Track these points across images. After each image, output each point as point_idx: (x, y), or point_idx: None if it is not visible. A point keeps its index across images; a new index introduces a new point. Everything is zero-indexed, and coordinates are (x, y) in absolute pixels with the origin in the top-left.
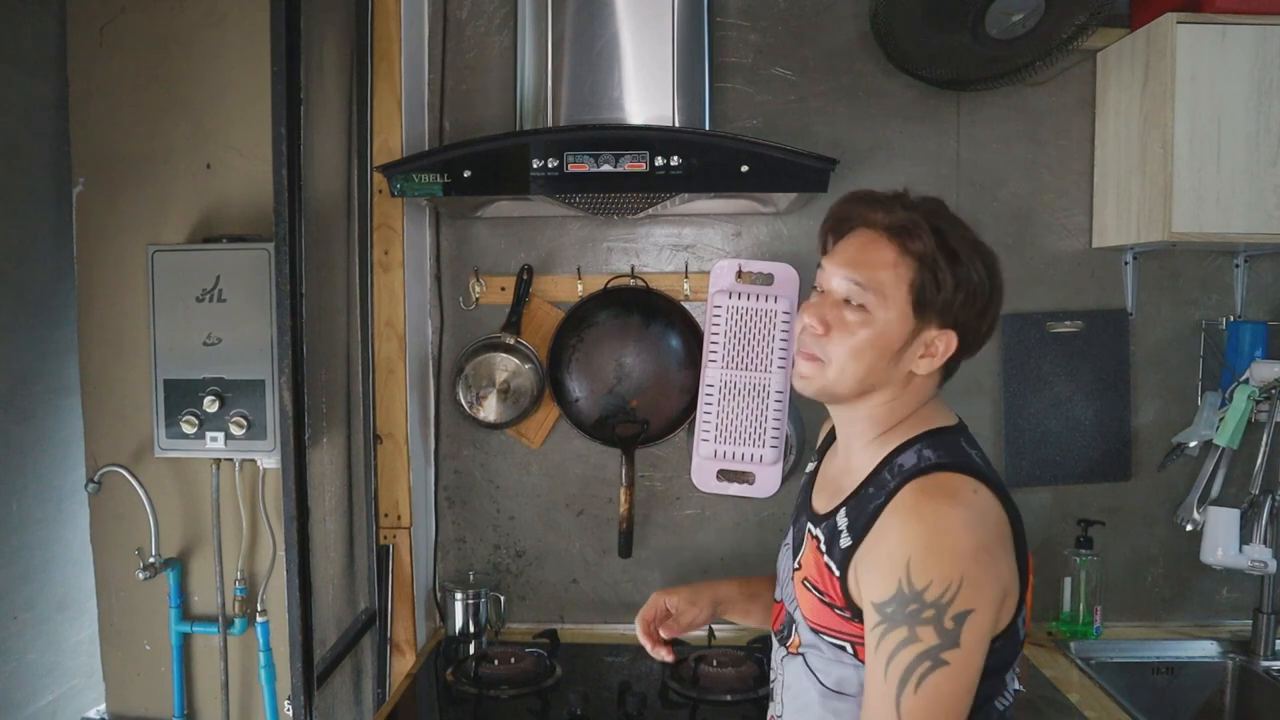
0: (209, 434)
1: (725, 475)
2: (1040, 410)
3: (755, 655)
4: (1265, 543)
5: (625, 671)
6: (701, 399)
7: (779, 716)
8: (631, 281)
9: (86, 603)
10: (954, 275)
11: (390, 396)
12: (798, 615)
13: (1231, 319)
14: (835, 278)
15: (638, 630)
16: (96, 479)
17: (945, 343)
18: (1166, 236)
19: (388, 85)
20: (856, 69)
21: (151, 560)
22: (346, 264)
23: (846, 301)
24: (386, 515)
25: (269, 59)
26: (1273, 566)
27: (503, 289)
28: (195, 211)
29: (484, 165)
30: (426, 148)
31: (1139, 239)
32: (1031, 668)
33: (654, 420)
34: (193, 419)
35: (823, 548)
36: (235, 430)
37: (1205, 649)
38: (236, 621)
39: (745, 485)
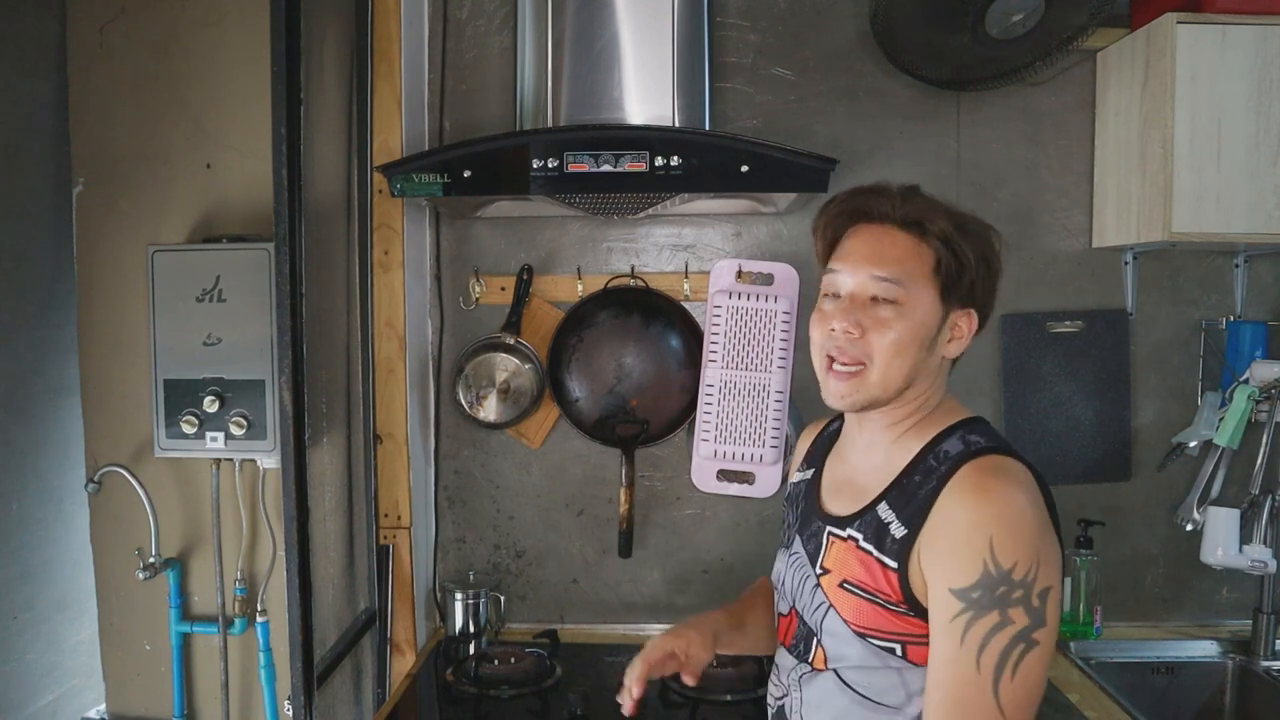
0: (209, 434)
1: (725, 475)
2: (1040, 410)
3: (755, 655)
4: (1265, 543)
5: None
6: (701, 399)
7: None
8: (631, 281)
9: (86, 603)
10: (972, 250)
11: (390, 396)
12: (825, 625)
13: (1231, 319)
14: (855, 278)
15: (634, 672)
16: (96, 479)
17: (968, 322)
18: (1166, 236)
19: (388, 85)
20: (856, 69)
21: (151, 560)
22: (346, 264)
23: (874, 300)
24: (386, 515)
25: (269, 59)
26: (1273, 566)
27: (503, 289)
28: (195, 211)
29: (484, 165)
30: (426, 148)
31: (1139, 239)
32: None
33: (654, 420)
34: (193, 419)
35: (867, 545)
36: (235, 430)
37: (1205, 649)
38: (236, 621)
39: (745, 485)
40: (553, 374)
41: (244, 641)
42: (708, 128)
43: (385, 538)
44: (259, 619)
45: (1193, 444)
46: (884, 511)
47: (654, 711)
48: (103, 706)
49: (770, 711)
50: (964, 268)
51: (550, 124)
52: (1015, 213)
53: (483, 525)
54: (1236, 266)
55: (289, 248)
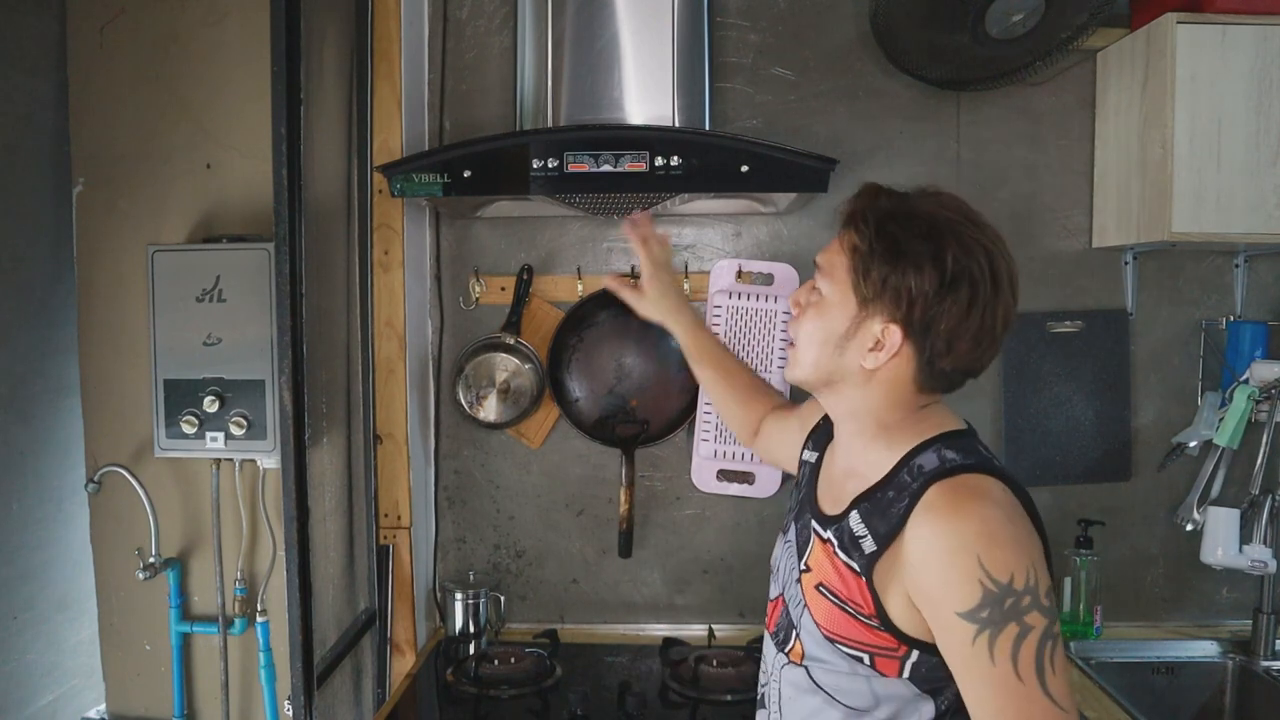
0: (209, 434)
1: (725, 475)
2: (1040, 410)
3: (755, 655)
4: (1265, 543)
5: (625, 671)
6: (701, 399)
7: None
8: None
9: (86, 603)
10: (889, 271)
11: (390, 396)
12: (803, 620)
13: (1231, 319)
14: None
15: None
16: (96, 479)
17: (890, 337)
18: (1166, 236)
19: (388, 85)
20: (856, 69)
21: (151, 560)
22: (346, 264)
23: (813, 287)
24: (386, 515)
25: (269, 59)
26: (1273, 566)
27: (503, 289)
28: (195, 211)
29: (484, 165)
30: (426, 148)
31: (1139, 239)
32: None
33: (654, 420)
34: (193, 419)
35: (839, 552)
36: (235, 430)
37: (1205, 649)
38: (236, 621)
39: (745, 485)
40: (553, 374)
41: (244, 641)
42: (708, 128)
43: (385, 538)
44: (259, 619)
45: (1193, 444)
46: (855, 524)
47: (654, 711)
48: (103, 706)
49: (758, 695)
50: (868, 281)
51: (550, 124)
52: (1015, 213)
53: (483, 525)
54: (1236, 266)
55: (289, 248)
